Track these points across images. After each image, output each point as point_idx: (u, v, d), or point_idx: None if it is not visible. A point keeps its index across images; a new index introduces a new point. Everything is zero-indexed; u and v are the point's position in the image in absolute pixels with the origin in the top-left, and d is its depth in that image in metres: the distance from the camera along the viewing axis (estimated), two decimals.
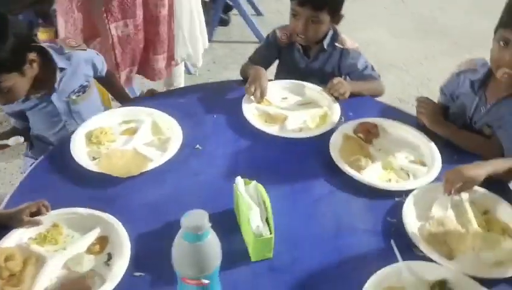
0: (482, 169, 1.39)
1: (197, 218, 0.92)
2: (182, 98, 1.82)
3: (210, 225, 0.94)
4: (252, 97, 1.76)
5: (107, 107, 2.00)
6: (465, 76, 1.74)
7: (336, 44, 1.94)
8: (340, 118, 1.71)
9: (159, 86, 2.65)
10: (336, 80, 1.82)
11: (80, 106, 1.81)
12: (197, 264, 0.95)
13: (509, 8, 1.48)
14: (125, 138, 1.61)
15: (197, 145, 1.58)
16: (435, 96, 1.83)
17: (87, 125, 1.62)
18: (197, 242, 0.94)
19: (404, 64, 3.96)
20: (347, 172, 1.48)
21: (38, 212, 1.29)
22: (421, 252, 1.25)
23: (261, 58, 2.02)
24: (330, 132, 1.63)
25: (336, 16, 1.87)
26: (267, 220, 1.21)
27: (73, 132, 1.60)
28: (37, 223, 1.27)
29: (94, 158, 1.51)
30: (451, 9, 4.98)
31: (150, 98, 1.81)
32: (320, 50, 1.94)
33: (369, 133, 1.63)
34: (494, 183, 1.42)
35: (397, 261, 1.21)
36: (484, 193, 1.42)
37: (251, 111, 1.73)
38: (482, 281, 1.17)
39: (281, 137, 1.63)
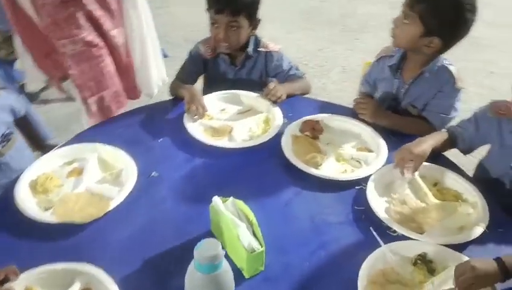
0: (426, 144, 1.52)
1: (211, 248, 0.91)
2: (120, 127, 1.74)
3: (224, 252, 0.93)
4: (195, 117, 1.74)
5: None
6: (383, 62, 1.88)
7: (260, 49, 1.98)
8: (284, 120, 1.75)
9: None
10: (272, 84, 1.86)
11: (7, 157, 1.66)
12: None
13: None
14: (73, 179, 1.51)
15: (153, 173, 1.53)
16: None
17: (27, 175, 1.49)
18: (214, 272, 0.92)
19: (303, 57, 4.13)
20: (306, 171, 1.53)
21: (6, 279, 1.17)
22: (395, 232, 1.34)
23: (188, 75, 2.01)
24: (278, 135, 1.67)
25: (253, 20, 1.92)
26: (253, 234, 1.22)
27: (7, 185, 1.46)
28: None
29: (46, 208, 1.40)
30: None
31: (87, 132, 1.72)
32: (246, 57, 1.98)
33: (314, 130, 1.70)
34: (435, 156, 1.56)
35: (378, 245, 1.28)
36: (430, 166, 1.55)
37: (196, 128, 1.71)
38: (454, 247, 1.28)
39: (232, 149, 1.64)
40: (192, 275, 0.94)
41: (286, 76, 2.01)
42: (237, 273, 1.22)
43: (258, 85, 1.94)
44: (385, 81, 1.87)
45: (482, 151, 1.69)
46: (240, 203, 1.27)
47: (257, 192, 1.47)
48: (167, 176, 1.53)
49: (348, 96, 2.71)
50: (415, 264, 1.27)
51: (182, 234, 1.31)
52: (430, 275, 1.24)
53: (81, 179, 1.49)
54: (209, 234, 1.32)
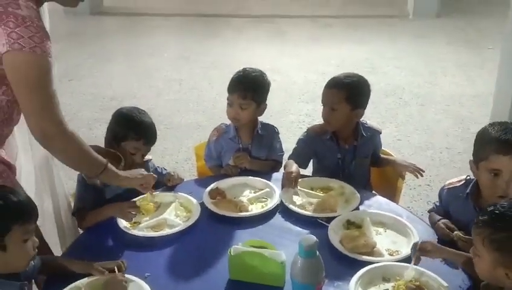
0: (294, 165, 2.28)
1: (309, 240, 1.43)
2: None
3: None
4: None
5: None
6: (222, 139, 2.54)
7: None
8: (195, 200, 2.19)
9: None
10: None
11: None
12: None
13: None
14: None
15: (146, 274, 1.76)
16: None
17: None
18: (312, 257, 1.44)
19: None
20: (248, 215, 2.09)
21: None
22: (322, 219, 2.03)
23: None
24: (203, 208, 2.13)
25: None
26: None
27: None
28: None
29: None
30: None
31: None
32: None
33: (219, 194, 2.23)
34: None
35: (326, 227, 1.96)
36: (302, 180, 2.31)
37: (141, 233, 2.00)
38: (355, 209, 2.10)
39: (182, 230, 2.00)
40: (296, 261, 1.42)
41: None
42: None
43: None
44: (229, 152, 2.52)
45: None
46: (247, 243, 1.75)
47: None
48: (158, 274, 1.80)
49: None
50: (348, 228, 2.00)
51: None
52: (359, 228, 1.99)
53: None
54: (231, 281, 1.73)
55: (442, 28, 7.57)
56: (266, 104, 2.49)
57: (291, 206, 2.13)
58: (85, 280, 1.69)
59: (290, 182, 2.20)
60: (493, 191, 1.81)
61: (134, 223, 2.07)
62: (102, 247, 1.96)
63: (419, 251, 1.68)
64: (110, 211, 2.07)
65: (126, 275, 1.71)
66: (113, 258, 1.81)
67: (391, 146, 4.01)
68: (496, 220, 1.44)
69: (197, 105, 5.15)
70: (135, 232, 2.00)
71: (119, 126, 2.24)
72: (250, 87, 2.40)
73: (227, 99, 2.45)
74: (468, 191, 1.93)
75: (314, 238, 1.45)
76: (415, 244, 1.72)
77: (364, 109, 2.38)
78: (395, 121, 4.68)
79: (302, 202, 2.19)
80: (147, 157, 2.37)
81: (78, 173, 2.19)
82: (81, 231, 2.22)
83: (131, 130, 2.20)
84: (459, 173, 3.75)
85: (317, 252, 1.46)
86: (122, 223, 2.03)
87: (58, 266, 1.76)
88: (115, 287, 1.63)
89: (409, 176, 2.45)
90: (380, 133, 2.52)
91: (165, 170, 2.46)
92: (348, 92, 2.30)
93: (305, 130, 2.53)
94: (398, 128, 4.52)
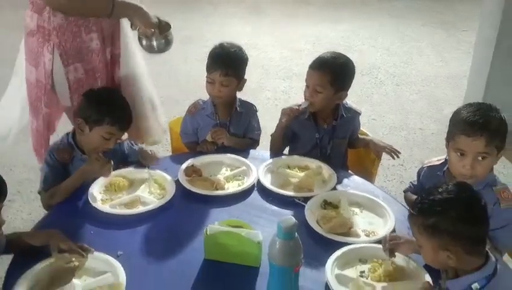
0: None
1: (289, 221, 1.40)
2: None
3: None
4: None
5: None
6: (198, 115, 2.49)
7: None
8: (169, 177, 2.14)
9: None
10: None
11: None
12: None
13: None
14: None
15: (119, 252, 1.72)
16: None
17: None
18: (291, 239, 1.42)
19: None
20: (224, 193, 2.05)
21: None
22: (300, 199, 2.02)
23: None
24: (177, 185, 2.08)
25: None
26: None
27: None
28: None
29: None
30: None
31: None
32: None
33: (195, 171, 2.18)
34: None
35: (303, 207, 1.94)
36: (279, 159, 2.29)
37: (113, 210, 1.94)
38: (331, 189, 2.08)
39: (155, 208, 1.95)
40: (274, 243, 1.40)
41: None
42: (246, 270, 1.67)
43: None
44: (206, 128, 2.46)
45: None
46: (221, 225, 1.71)
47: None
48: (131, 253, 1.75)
49: None
50: (325, 208, 1.98)
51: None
52: (336, 208, 1.98)
53: None
54: (206, 261, 1.70)
55: (419, 9, 7.58)
56: (246, 79, 2.44)
57: (268, 185, 2.10)
58: (38, 266, 1.60)
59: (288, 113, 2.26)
60: (459, 171, 1.84)
61: (107, 199, 2.01)
62: (73, 225, 1.88)
63: (390, 242, 1.67)
64: (86, 172, 2.02)
65: (96, 253, 1.66)
66: (84, 237, 1.78)
67: (366, 126, 3.98)
68: (425, 208, 1.46)
69: (169, 78, 5.04)
70: (107, 209, 1.94)
71: (92, 109, 2.08)
72: (231, 64, 2.34)
73: (207, 77, 2.38)
74: (444, 169, 1.95)
75: (293, 219, 1.42)
76: (385, 237, 1.70)
77: (347, 90, 2.35)
78: (370, 100, 4.69)
79: (279, 180, 2.16)
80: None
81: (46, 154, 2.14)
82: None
83: (108, 115, 2.06)
84: (431, 154, 3.83)
85: (296, 234, 1.43)
86: (94, 198, 1.97)
87: (23, 243, 1.69)
88: (61, 276, 1.52)
89: (383, 155, 2.45)
90: (360, 114, 2.50)
91: (137, 145, 2.38)
92: (334, 75, 2.25)
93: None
94: (373, 108, 4.53)
